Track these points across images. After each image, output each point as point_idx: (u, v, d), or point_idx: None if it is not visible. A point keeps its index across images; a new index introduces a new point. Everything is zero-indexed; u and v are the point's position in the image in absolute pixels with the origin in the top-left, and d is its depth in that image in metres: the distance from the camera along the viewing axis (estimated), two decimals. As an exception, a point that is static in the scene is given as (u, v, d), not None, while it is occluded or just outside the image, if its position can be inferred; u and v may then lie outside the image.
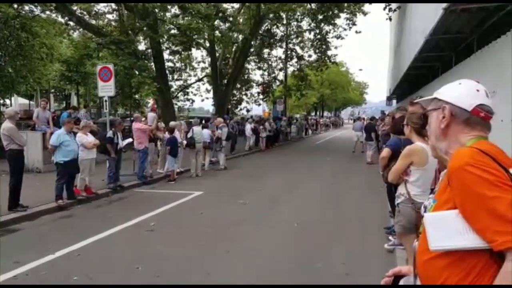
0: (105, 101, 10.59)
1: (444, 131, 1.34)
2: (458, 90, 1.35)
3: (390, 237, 5.20)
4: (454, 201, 1.14)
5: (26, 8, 16.28)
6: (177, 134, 11.00)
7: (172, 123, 11.55)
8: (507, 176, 1.09)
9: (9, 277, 4.20)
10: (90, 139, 8.13)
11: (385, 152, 4.63)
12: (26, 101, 26.69)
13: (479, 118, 1.30)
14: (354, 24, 22.11)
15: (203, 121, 14.87)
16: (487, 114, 1.30)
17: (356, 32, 22.18)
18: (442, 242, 1.16)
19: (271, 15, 21.49)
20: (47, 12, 17.31)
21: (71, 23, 18.04)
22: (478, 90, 1.33)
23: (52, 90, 28.34)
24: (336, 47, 24.92)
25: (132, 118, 11.75)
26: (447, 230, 1.14)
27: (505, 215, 1.02)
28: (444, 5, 7.91)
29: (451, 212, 1.14)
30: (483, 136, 1.29)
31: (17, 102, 24.79)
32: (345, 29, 22.94)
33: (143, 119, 11.43)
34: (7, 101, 21.27)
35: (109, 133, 8.99)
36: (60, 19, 18.30)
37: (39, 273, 4.32)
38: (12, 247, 5.24)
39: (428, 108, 1.43)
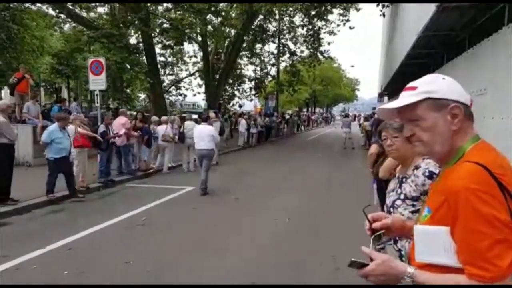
0: (96, 95, 10.49)
1: (454, 133, 1.21)
2: (451, 85, 1.25)
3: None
4: (448, 219, 1.13)
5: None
6: (169, 128, 10.98)
7: (163, 118, 11.55)
8: (506, 205, 1.08)
9: (-1, 271, 4.17)
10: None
11: (373, 148, 4.69)
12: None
13: (471, 112, 1.25)
14: (347, 20, 22.15)
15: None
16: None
17: (350, 28, 22.24)
18: (427, 256, 1.19)
19: (263, 11, 21.42)
20: (38, 5, 17.07)
21: (62, 15, 17.79)
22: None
23: (43, 84, 27.95)
24: (329, 43, 24.90)
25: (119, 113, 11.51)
26: (434, 245, 1.16)
27: (483, 253, 1.06)
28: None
29: (442, 228, 1.14)
30: (476, 133, 1.25)
31: (7, 95, 24.40)
32: (338, 25, 22.99)
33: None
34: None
35: (102, 127, 8.92)
36: (51, 11, 18.06)
37: (29, 267, 4.30)
38: (2, 241, 5.18)
39: (420, 111, 1.23)
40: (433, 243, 1.16)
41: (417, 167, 2.22)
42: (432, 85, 1.24)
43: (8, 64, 15.95)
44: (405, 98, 1.26)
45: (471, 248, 1.08)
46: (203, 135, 8.34)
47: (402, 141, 2.21)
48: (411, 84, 1.29)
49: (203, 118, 9.26)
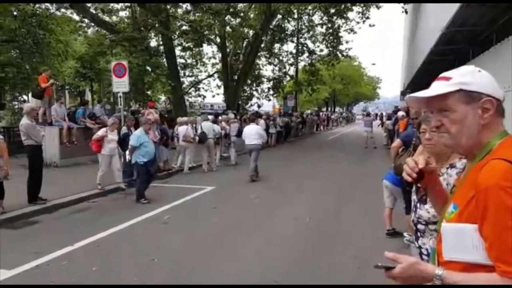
0: (120, 96, 10.72)
1: (482, 128, 1.19)
2: (486, 78, 1.22)
3: (405, 234, 5.19)
4: (476, 216, 1.12)
5: (43, 6, 16.57)
6: (190, 129, 11.12)
7: (184, 119, 11.73)
8: None
9: (30, 267, 4.33)
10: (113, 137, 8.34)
11: (396, 142, 4.78)
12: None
13: (503, 108, 1.23)
14: (367, 18, 21.86)
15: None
16: None
17: (370, 25, 21.93)
18: (456, 254, 1.17)
19: (281, 10, 21.38)
20: (62, 10, 17.59)
21: (86, 20, 18.28)
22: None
23: (67, 87, 28.72)
24: (347, 42, 24.56)
25: (140, 114, 11.85)
26: (463, 243, 1.15)
27: None
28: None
29: (471, 226, 1.13)
30: (504, 130, 1.22)
31: (33, 99, 25.20)
32: (358, 23, 22.71)
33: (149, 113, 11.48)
34: (25, 97, 21.70)
35: (124, 129, 9.11)
36: (75, 16, 18.59)
37: (59, 263, 4.45)
38: (33, 238, 5.40)
39: (451, 101, 1.20)
40: (462, 240, 1.15)
41: (452, 166, 2.17)
42: (467, 76, 1.21)
43: (34, 68, 16.48)
44: (438, 87, 1.24)
45: (502, 245, 1.06)
46: (252, 132, 10.01)
47: None
48: (445, 74, 1.27)
49: (251, 119, 11.75)
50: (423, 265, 1.23)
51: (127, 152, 7.99)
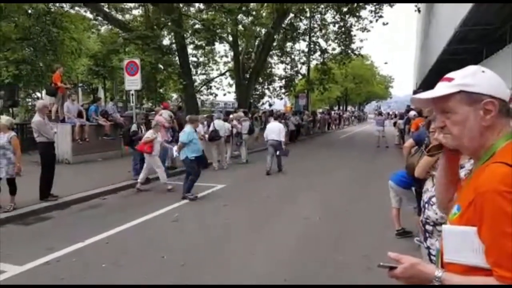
0: (132, 94, 10.81)
1: (485, 129, 1.18)
2: (489, 79, 1.20)
3: (420, 235, 5.15)
4: (475, 219, 1.12)
5: (56, 4, 16.81)
6: (200, 127, 11.15)
7: (199, 116, 11.81)
8: None
9: (41, 263, 4.39)
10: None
11: (408, 142, 4.76)
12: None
13: (510, 108, 1.21)
14: (380, 16, 21.61)
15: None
16: None
17: (383, 24, 21.68)
18: (455, 256, 1.18)
19: (294, 9, 21.26)
20: (76, 8, 17.83)
21: (99, 18, 18.47)
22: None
23: (80, 84, 29.11)
24: (361, 40, 24.37)
25: (154, 112, 11.99)
26: (462, 245, 1.15)
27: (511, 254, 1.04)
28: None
29: (470, 229, 1.13)
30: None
31: (47, 96, 25.60)
32: (370, 21, 22.47)
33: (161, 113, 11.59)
34: (38, 94, 22.08)
35: (134, 127, 9.18)
36: (88, 14, 18.82)
37: (69, 260, 4.51)
38: (44, 235, 5.48)
39: (452, 103, 1.20)
40: (462, 243, 1.15)
41: (461, 167, 2.14)
42: (469, 78, 1.21)
43: (48, 66, 16.76)
44: (440, 89, 1.24)
45: (498, 249, 1.06)
46: (274, 129, 10.80)
47: None
48: (449, 74, 1.26)
49: (274, 117, 12.47)
50: (424, 266, 1.25)
51: (174, 148, 8.26)
